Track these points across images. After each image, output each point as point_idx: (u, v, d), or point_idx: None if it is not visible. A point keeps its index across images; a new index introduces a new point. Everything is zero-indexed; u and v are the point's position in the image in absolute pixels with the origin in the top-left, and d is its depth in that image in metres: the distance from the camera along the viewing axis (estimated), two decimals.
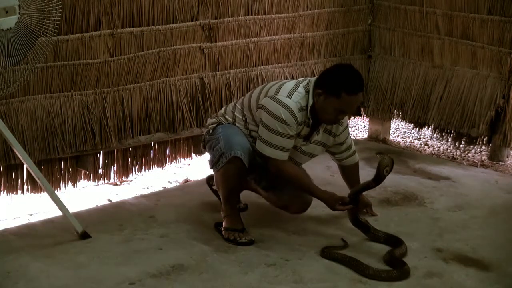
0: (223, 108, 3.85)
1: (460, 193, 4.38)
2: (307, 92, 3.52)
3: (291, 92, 3.50)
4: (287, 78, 4.97)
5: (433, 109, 5.15)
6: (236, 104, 3.74)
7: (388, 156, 3.50)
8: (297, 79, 3.92)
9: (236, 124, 3.67)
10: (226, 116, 3.72)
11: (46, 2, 3.41)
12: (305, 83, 3.56)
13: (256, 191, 3.91)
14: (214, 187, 3.97)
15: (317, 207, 3.82)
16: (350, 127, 6.15)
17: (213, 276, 3.23)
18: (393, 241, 3.54)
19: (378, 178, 3.50)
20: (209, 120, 3.83)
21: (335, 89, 3.43)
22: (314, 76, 5.12)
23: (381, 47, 5.42)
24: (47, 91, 3.97)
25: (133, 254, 3.42)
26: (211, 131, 3.71)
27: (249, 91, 4.66)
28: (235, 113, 3.69)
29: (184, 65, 4.51)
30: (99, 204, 4.24)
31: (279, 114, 3.45)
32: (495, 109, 4.83)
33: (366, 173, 4.56)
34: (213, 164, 3.61)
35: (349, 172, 3.92)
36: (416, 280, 3.25)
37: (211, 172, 3.78)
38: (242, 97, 3.79)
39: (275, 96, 3.50)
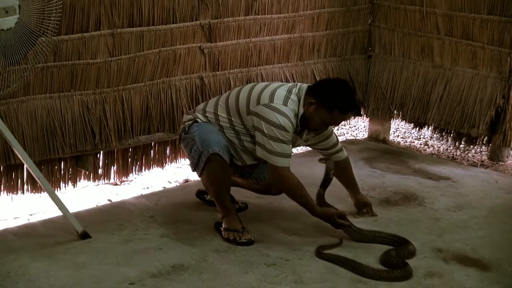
0: (202, 104, 3.84)
1: (460, 193, 4.38)
2: (299, 99, 3.56)
3: (286, 100, 3.53)
4: (287, 78, 4.98)
5: (433, 109, 5.15)
6: (219, 103, 3.73)
7: (331, 159, 3.70)
8: (286, 82, 3.90)
9: (220, 123, 3.68)
10: (207, 115, 3.72)
11: (46, 2, 3.41)
12: (296, 90, 3.59)
13: (236, 184, 3.88)
14: (207, 198, 3.99)
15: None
16: (350, 127, 6.20)
17: (213, 276, 3.23)
18: (399, 241, 3.55)
19: (325, 183, 3.64)
20: (186, 116, 3.83)
21: (329, 104, 3.49)
22: (314, 76, 5.17)
23: (381, 47, 5.42)
24: (47, 91, 3.97)
25: (133, 254, 3.42)
26: (186, 128, 3.72)
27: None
28: (218, 112, 3.70)
29: (184, 65, 4.51)
30: (99, 204, 4.24)
31: (277, 122, 3.47)
32: (495, 109, 4.83)
33: (366, 173, 4.58)
34: (194, 166, 3.64)
35: (340, 168, 3.90)
36: (416, 280, 3.25)
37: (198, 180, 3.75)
38: (226, 95, 3.76)
39: (271, 104, 3.51)
